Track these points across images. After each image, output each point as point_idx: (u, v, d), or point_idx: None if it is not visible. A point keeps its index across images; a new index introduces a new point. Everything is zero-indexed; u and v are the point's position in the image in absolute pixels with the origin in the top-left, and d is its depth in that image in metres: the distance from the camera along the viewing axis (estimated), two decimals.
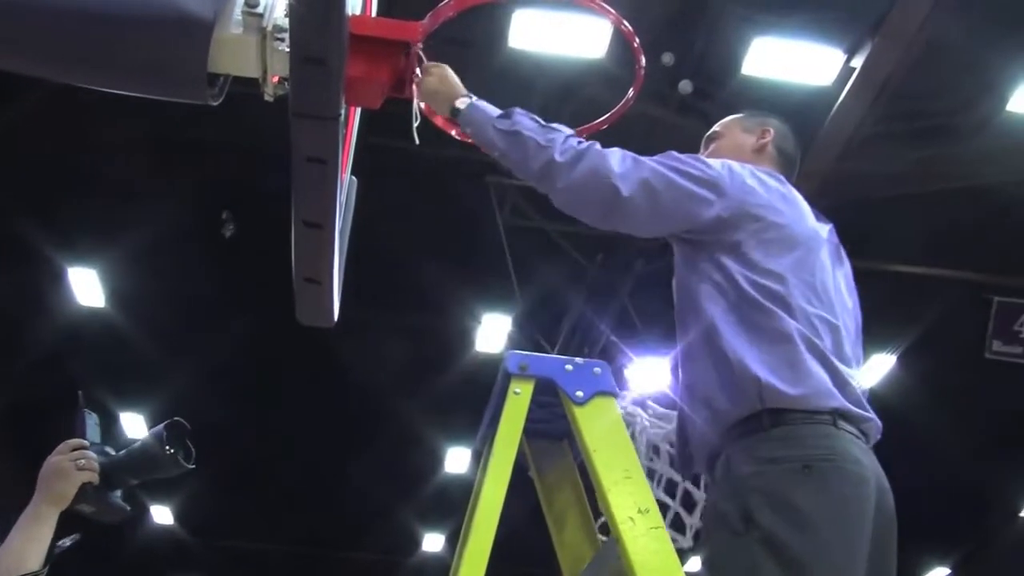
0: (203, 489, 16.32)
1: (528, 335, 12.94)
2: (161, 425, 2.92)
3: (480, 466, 2.69)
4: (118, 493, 2.89)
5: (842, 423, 2.78)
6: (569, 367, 2.64)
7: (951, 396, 14.79)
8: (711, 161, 3.11)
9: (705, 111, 10.54)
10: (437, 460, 17.78)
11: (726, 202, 2.97)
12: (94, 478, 2.77)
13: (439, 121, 3.23)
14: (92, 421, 2.91)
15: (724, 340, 2.88)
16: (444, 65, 3.19)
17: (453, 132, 3.20)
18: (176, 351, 14.34)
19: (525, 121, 3.14)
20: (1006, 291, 12.36)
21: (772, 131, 3.46)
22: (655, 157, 3.07)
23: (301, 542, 21.24)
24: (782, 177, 3.23)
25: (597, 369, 2.65)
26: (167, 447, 2.89)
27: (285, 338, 12.47)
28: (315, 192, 2.45)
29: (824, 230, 3.17)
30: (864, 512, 2.70)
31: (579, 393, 2.59)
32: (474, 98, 3.22)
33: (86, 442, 2.82)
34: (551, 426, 2.86)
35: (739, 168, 3.08)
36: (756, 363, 2.80)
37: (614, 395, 2.62)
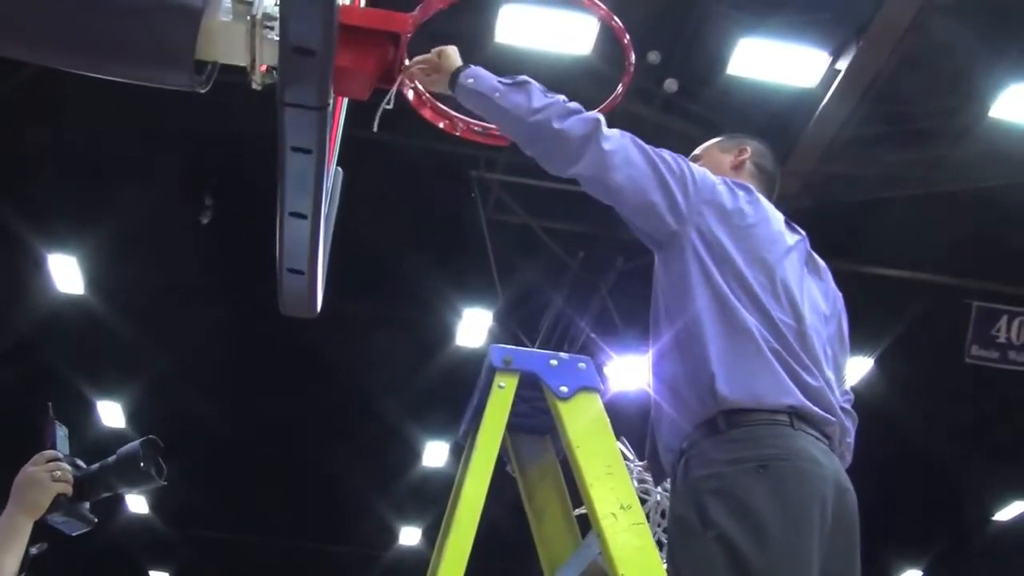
0: (179, 479, 16.20)
1: (509, 330, 12.93)
2: (136, 442, 2.96)
3: (462, 460, 2.69)
4: (87, 505, 2.94)
5: (800, 424, 2.80)
6: (554, 362, 2.64)
7: (928, 399, 14.85)
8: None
9: (690, 110, 10.57)
10: (415, 454, 17.77)
11: (690, 200, 3.00)
12: (68, 490, 2.85)
13: (427, 114, 3.22)
14: (62, 433, 2.98)
15: (685, 344, 2.90)
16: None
17: (441, 124, 3.19)
18: (155, 339, 14.30)
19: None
20: (985, 296, 12.41)
21: (749, 149, 3.49)
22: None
23: (277, 534, 21.21)
24: (756, 191, 3.25)
25: (582, 364, 2.65)
26: (141, 463, 2.93)
27: (265, 329, 12.46)
28: (301, 182, 2.45)
29: (794, 239, 3.18)
30: (821, 513, 2.71)
31: (563, 388, 2.58)
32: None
33: (60, 454, 2.88)
34: (534, 421, 2.85)
35: (713, 176, 3.13)
36: (714, 364, 2.82)
37: (598, 391, 2.62)
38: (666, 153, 3.09)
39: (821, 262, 3.28)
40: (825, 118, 10.30)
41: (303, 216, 2.52)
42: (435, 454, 17.64)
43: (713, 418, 2.78)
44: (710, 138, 3.67)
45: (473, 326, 13.82)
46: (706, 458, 2.76)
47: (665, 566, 2.58)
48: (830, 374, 3.02)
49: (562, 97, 3.14)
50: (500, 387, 2.58)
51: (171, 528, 20.99)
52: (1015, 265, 12.37)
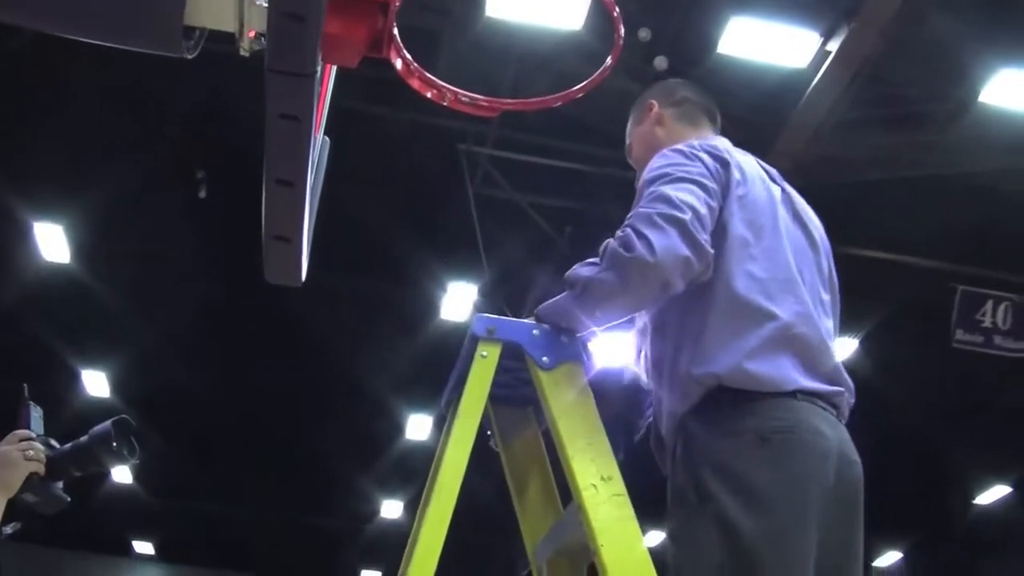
0: (164, 449, 16.26)
1: (494, 305, 12.94)
2: (109, 422, 2.97)
3: (444, 429, 2.69)
4: (60, 484, 2.97)
5: (804, 395, 2.76)
6: (536, 332, 2.63)
7: (913, 383, 14.92)
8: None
9: None
10: (398, 427, 17.80)
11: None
12: (40, 469, 2.87)
13: (415, 84, 3.18)
14: (37, 414, 2.99)
15: (688, 317, 2.86)
16: None
17: (429, 94, 3.17)
18: (141, 310, 14.27)
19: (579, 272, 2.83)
20: (971, 281, 12.44)
21: (654, 101, 3.38)
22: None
23: (261, 506, 21.25)
24: (719, 145, 3.09)
25: (564, 337, 2.64)
26: (114, 443, 2.94)
27: (250, 302, 12.46)
28: (287, 150, 2.43)
29: (776, 190, 3.10)
30: (822, 487, 2.67)
31: (546, 359, 2.58)
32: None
33: (33, 434, 2.89)
34: (516, 392, 2.84)
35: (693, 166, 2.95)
36: (715, 340, 2.78)
37: (581, 363, 2.62)
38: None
39: (801, 204, 3.19)
40: (815, 99, 10.31)
41: (289, 183, 2.51)
42: (418, 427, 17.68)
43: (714, 390, 2.75)
44: None
45: (458, 300, 13.83)
46: (706, 430, 2.73)
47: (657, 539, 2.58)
48: (831, 327, 2.99)
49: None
50: (483, 356, 2.57)
51: (155, 499, 21.03)
52: (1002, 250, 12.41)
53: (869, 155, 11.13)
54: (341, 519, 22.24)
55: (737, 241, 2.87)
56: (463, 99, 3.10)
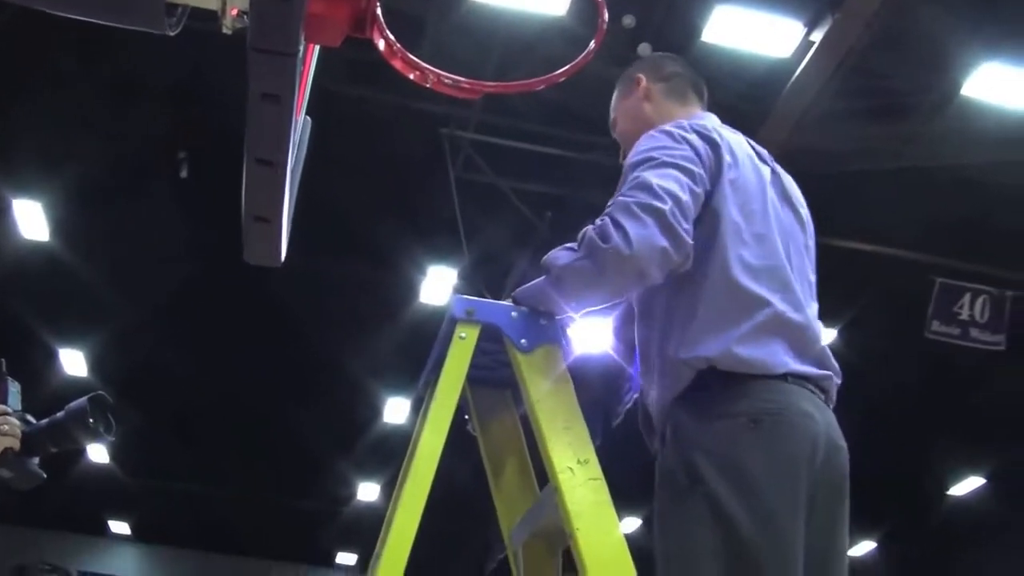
0: (142, 429, 16.23)
1: (474, 289, 12.94)
2: (84, 398, 2.95)
3: (421, 410, 2.68)
4: (36, 460, 2.94)
5: (794, 378, 2.76)
6: (515, 314, 2.62)
7: (890, 373, 14.98)
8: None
9: None
10: (376, 410, 17.80)
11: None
12: (16, 444, 2.84)
13: (398, 64, 3.16)
14: (15, 389, 2.97)
15: (675, 301, 2.85)
16: None
17: (411, 76, 3.15)
18: (120, 289, 14.22)
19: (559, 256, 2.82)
20: (950, 273, 12.49)
21: (642, 75, 3.33)
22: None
23: (237, 487, 21.23)
24: (703, 122, 3.07)
25: (543, 320, 2.64)
26: (90, 419, 2.92)
27: (230, 284, 12.42)
28: (268, 129, 2.42)
29: (766, 170, 3.08)
30: (810, 470, 2.67)
31: (524, 341, 2.57)
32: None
33: (8, 408, 2.87)
34: (494, 374, 2.84)
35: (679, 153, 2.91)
36: (706, 325, 2.76)
37: (559, 346, 2.61)
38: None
39: (789, 183, 3.18)
40: (798, 89, 10.31)
41: (270, 164, 2.50)
42: (397, 410, 17.68)
43: (705, 373, 2.74)
44: None
45: (438, 284, 13.81)
46: (696, 413, 2.72)
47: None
48: (816, 309, 2.99)
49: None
50: (461, 338, 2.56)
51: (132, 479, 20.98)
52: (981, 244, 12.46)
53: (852, 146, 11.15)
54: (318, 501, 22.25)
55: (730, 226, 2.85)
56: (446, 81, 3.09)
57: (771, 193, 3.02)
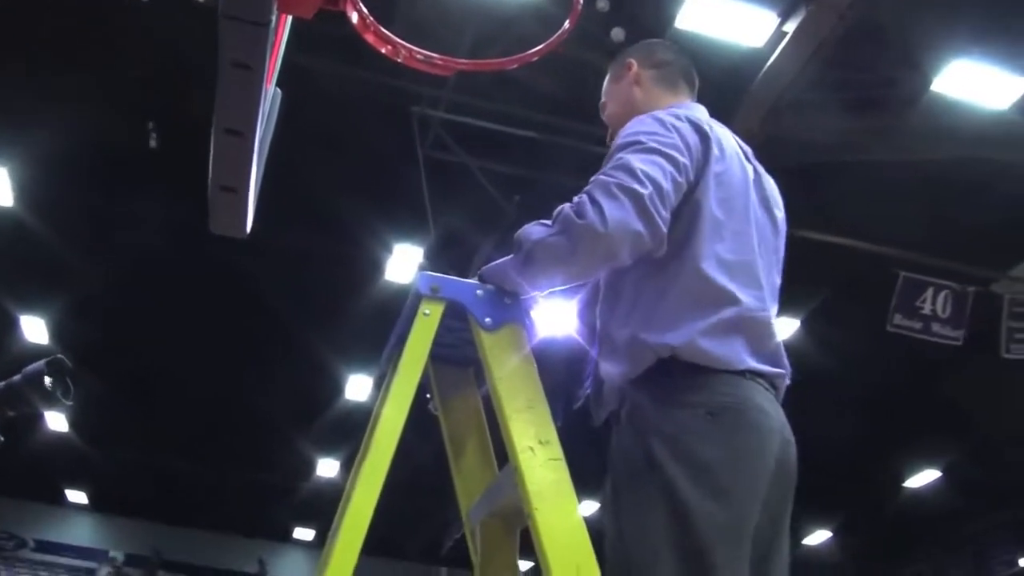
0: (101, 398, 16.14)
1: (439, 269, 12.89)
2: (42, 361, 2.90)
3: (382, 387, 2.67)
4: None
5: (752, 374, 2.78)
6: (480, 292, 2.60)
7: (851, 365, 15.08)
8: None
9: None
10: (338, 386, 17.76)
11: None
12: None
13: (370, 38, 3.15)
14: None
15: (644, 285, 2.85)
16: None
17: (383, 50, 3.14)
18: (84, 257, 14.11)
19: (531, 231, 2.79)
20: (913, 267, 12.57)
21: (634, 60, 3.35)
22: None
23: (197, 459, 21.15)
24: (695, 111, 3.09)
25: (508, 299, 2.62)
26: (47, 383, 2.87)
27: (194, 257, 12.35)
28: (238, 99, 2.40)
29: (749, 169, 3.09)
30: (764, 465, 2.70)
31: (488, 320, 2.55)
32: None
33: None
34: (457, 352, 2.82)
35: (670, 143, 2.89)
36: (673, 312, 2.77)
37: (523, 325, 2.60)
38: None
39: (769, 185, 3.19)
40: (769, 80, 10.33)
41: (238, 133, 2.48)
42: (358, 387, 17.65)
43: (664, 362, 2.74)
44: None
45: (403, 262, 13.77)
46: (655, 399, 2.72)
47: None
48: (775, 310, 3.00)
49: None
50: (425, 314, 2.54)
51: (90, 447, 20.85)
52: (946, 239, 12.54)
53: (821, 138, 11.18)
54: (277, 475, 22.20)
55: (709, 219, 2.85)
56: (418, 56, 3.08)
57: (753, 193, 3.02)
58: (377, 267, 14.07)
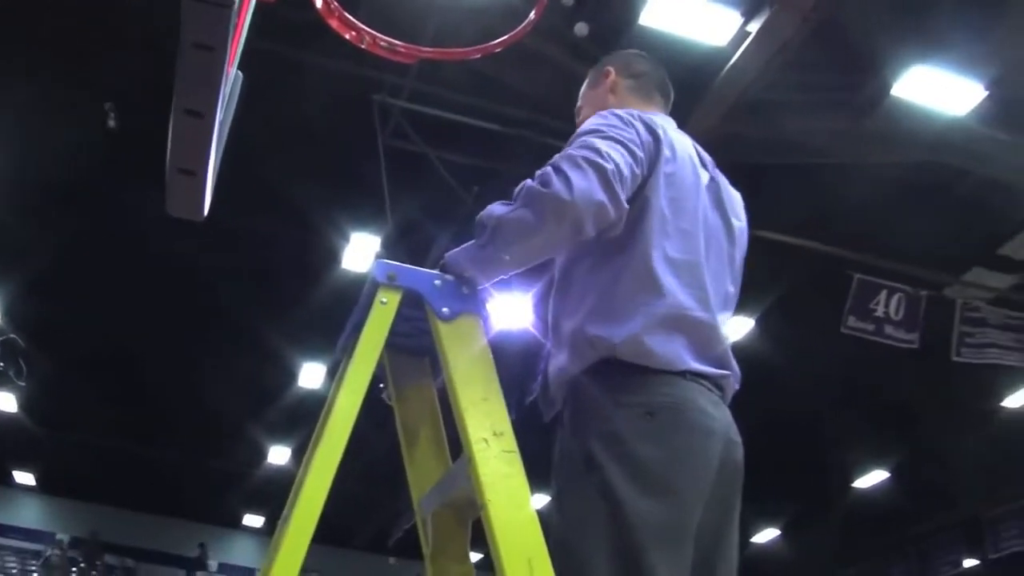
0: (51, 379, 16.01)
1: (396, 258, 12.82)
2: None
3: (337, 375, 2.66)
4: None
5: (692, 375, 2.80)
6: (438, 282, 2.59)
7: (803, 365, 15.18)
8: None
9: (598, 56, 10.55)
10: (291, 374, 17.69)
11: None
12: None
13: (334, 24, 3.14)
14: None
15: (592, 278, 2.88)
16: None
17: (347, 36, 3.13)
18: (34, 236, 13.96)
19: (493, 211, 2.80)
20: (868, 270, 12.66)
21: (612, 67, 3.43)
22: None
23: (147, 443, 21.02)
24: (659, 116, 3.15)
25: (465, 289, 2.61)
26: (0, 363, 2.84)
27: (148, 240, 12.24)
28: (199, 80, 2.38)
29: (705, 176, 3.13)
30: (705, 465, 2.72)
31: (445, 309, 2.54)
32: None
33: None
34: (414, 341, 2.81)
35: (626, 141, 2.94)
36: (618, 307, 2.80)
37: (480, 316, 2.59)
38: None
39: (728, 195, 3.23)
40: (731, 78, 10.36)
41: (198, 115, 2.46)
42: (312, 375, 17.58)
43: (606, 361, 2.77)
44: None
45: (360, 250, 13.73)
46: (595, 399, 2.75)
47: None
48: (727, 318, 3.03)
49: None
50: (382, 303, 2.52)
51: (39, 428, 20.66)
52: (901, 242, 12.64)
53: (781, 138, 11.23)
54: (228, 462, 22.10)
55: (657, 216, 2.88)
56: (381, 44, 3.07)
57: (704, 197, 3.06)
58: (334, 255, 14.01)
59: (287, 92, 11.04)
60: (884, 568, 21.89)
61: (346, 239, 13.71)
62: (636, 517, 2.57)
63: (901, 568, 21.44)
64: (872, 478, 20.41)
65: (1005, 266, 14.08)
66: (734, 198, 3.25)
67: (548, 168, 2.73)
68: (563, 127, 11.34)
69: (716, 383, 2.87)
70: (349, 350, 2.60)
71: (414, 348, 2.90)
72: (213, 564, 25.36)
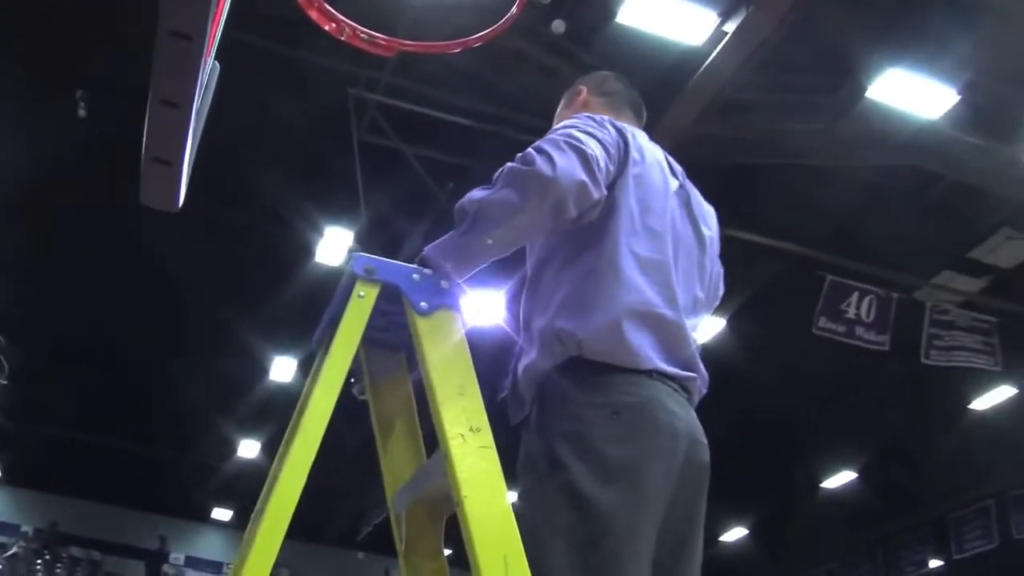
0: (18, 371, 15.87)
1: (369, 252, 12.78)
2: None
3: (313, 368, 2.64)
4: None
5: (659, 375, 2.80)
6: (416, 276, 2.57)
7: (773, 365, 15.22)
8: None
9: (575, 55, 10.55)
10: (262, 367, 17.61)
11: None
12: None
13: (314, 15, 3.12)
14: None
15: (563, 274, 2.90)
16: None
17: (327, 27, 3.11)
18: (3, 228, 13.85)
19: (473, 196, 2.79)
20: (840, 271, 12.71)
21: (584, 87, 3.48)
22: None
23: (114, 435, 20.90)
24: (624, 124, 3.15)
25: (444, 283, 2.60)
26: None
27: (119, 232, 12.16)
28: (176, 69, 2.35)
29: (674, 183, 3.15)
30: (669, 465, 2.72)
31: (424, 304, 2.51)
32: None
33: None
34: (390, 335, 2.78)
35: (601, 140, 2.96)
36: (587, 303, 2.81)
37: (458, 310, 2.57)
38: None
39: (699, 204, 3.25)
40: (707, 78, 10.37)
41: (175, 104, 2.43)
42: (283, 369, 17.51)
43: (573, 360, 2.77)
44: None
45: (334, 244, 13.68)
46: (561, 399, 2.75)
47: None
48: (696, 323, 3.04)
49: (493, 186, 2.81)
50: (360, 296, 2.50)
51: (5, 420, 20.50)
52: (873, 245, 12.70)
53: (755, 138, 11.26)
54: (197, 455, 21.99)
55: (626, 214, 2.90)
56: (362, 36, 3.05)
57: (672, 201, 3.09)
58: (307, 249, 13.96)
59: (260, 84, 10.99)
60: (851, 568, 21.99)
61: (320, 233, 13.65)
62: (602, 513, 2.57)
63: (867, 568, 21.53)
64: (840, 478, 20.51)
65: (974, 270, 14.18)
66: (704, 208, 3.28)
67: (530, 150, 2.74)
68: (538, 124, 11.34)
69: (683, 384, 2.87)
70: (325, 344, 2.58)
71: (390, 342, 2.87)
72: (179, 557, 25.22)
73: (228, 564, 25.08)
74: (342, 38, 3.10)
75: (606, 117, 3.06)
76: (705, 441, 2.88)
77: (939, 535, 19.80)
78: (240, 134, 10.98)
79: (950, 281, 14.20)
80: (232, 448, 21.57)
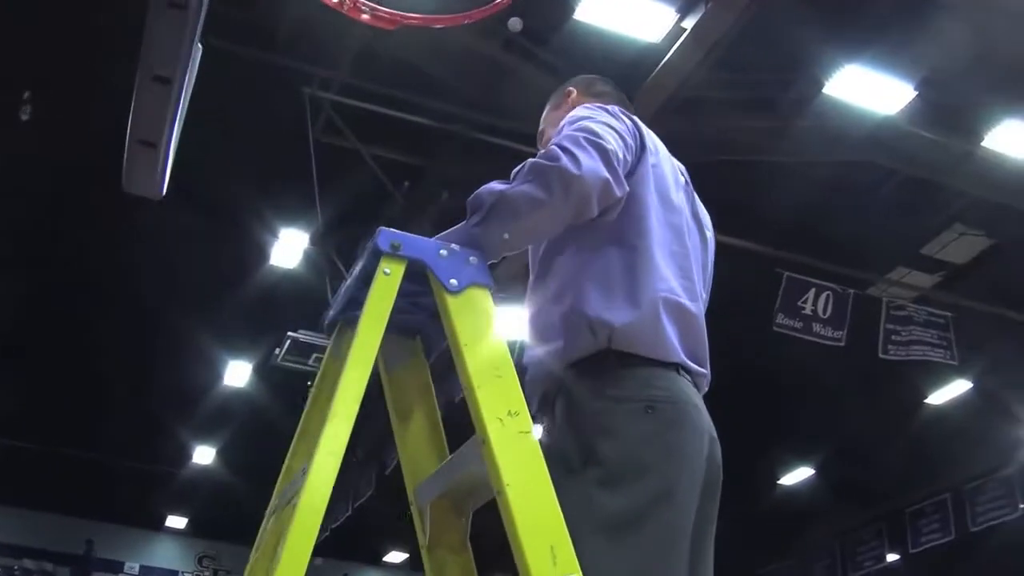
0: None
1: (325, 254, 12.70)
2: None
3: (331, 350, 2.52)
4: None
5: (683, 372, 2.78)
6: (444, 252, 2.43)
7: (731, 362, 15.20)
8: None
9: (532, 52, 10.48)
10: (216, 372, 17.36)
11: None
12: None
13: None
14: None
15: (589, 264, 2.82)
16: None
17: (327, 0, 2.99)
18: None
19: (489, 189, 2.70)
20: (797, 268, 12.74)
21: (573, 88, 3.45)
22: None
23: (64, 443, 20.54)
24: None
25: (473, 258, 2.46)
26: None
27: (66, 227, 11.93)
28: (169, 42, 2.25)
29: (683, 181, 3.16)
30: (699, 462, 2.69)
31: (453, 281, 2.39)
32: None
33: None
34: (408, 318, 2.65)
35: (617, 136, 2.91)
36: (614, 291, 2.76)
37: (489, 288, 2.45)
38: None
39: (699, 204, 3.24)
40: (665, 75, 10.35)
41: (167, 81, 2.32)
42: (238, 374, 17.26)
43: (603, 352, 2.71)
44: (548, 81, 3.59)
45: (289, 247, 13.51)
46: (591, 391, 2.68)
47: None
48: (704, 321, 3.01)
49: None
50: (385, 273, 2.35)
51: None
52: (830, 241, 12.74)
53: (713, 135, 11.23)
54: (149, 462, 21.67)
55: (649, 205, 2.88)
56: (362, 7, 2.95)
57: (682, 196, 3.09)
58: (262, 251, 13.75)
59: (213, 83, 10.79)
60: (808, 564, 22.14)
61: (275, 235, 13.46)
62: (637, 506, 2.52)
63: (825, 564, 21.70)
64: (798, 475, 20.67)
65: (928, 265, 14.28)
66: (702, 210, 3.27)
67: (552, 147, 2.67)
68: (494, 122, 11.30)
69: (695, 381, 2.85)
70: (351, 324, 2.45)
71: (406, 326, 2.75)
72: (134, 567, 24.90)
73: (183, 572, 24.85)
74: (343, 11, 3.00)
75: (617, 107, 3.01)
76: (717, 437, 2.86)
77: (896, 529, 19.98)
78: (193, 134, 10.77)
79: (905, 277, 14.30)
80: (187, 454, 21.30)
